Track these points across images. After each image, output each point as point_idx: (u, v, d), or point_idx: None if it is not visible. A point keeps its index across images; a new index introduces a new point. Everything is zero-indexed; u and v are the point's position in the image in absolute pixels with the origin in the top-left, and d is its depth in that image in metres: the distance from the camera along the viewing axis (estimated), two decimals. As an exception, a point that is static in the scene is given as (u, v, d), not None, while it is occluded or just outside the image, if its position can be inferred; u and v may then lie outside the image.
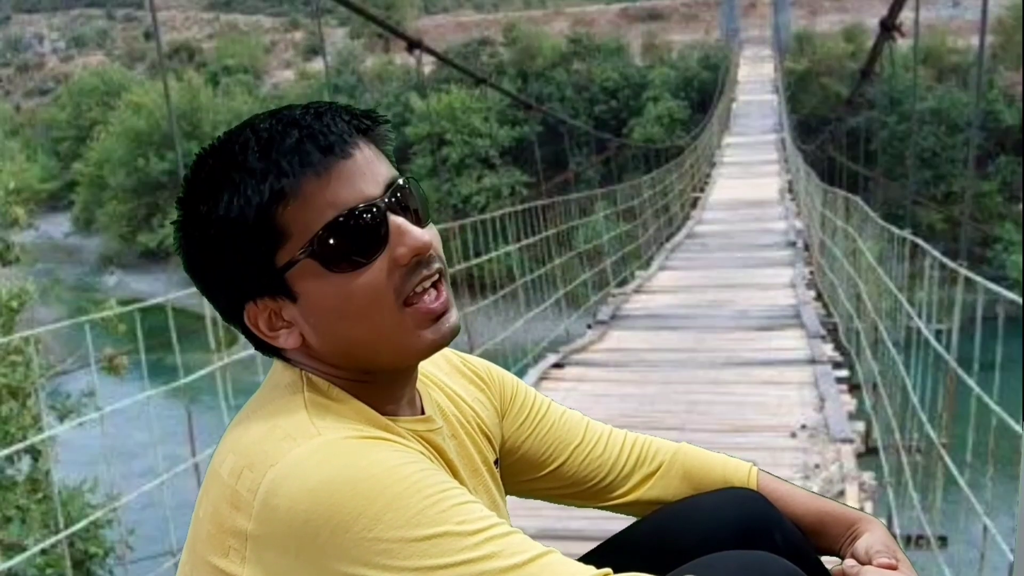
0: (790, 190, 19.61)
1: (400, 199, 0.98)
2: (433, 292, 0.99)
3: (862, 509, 1.30)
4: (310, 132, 0.94)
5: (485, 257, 8.00)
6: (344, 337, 0.98)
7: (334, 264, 0.95)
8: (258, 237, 0.94)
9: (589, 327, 9.09)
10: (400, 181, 0.99)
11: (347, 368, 1.00)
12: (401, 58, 38.21)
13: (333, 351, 0.99)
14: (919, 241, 5.79)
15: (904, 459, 4.91)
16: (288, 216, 0.94)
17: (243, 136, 0.96)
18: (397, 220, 0.97)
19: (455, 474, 1.08)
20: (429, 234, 0.99)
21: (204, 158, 0.98)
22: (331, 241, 0.94)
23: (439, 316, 0.99)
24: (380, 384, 1.02)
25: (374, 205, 0.95)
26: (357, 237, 0.95)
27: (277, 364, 1.04)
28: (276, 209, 0.93)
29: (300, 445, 0.91)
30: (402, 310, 0.97)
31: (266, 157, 0.94)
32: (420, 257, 0.97)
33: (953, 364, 4.28)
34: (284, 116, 0.97)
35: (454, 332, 1.00)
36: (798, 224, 15.40)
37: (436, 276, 0.99)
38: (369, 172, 0.96)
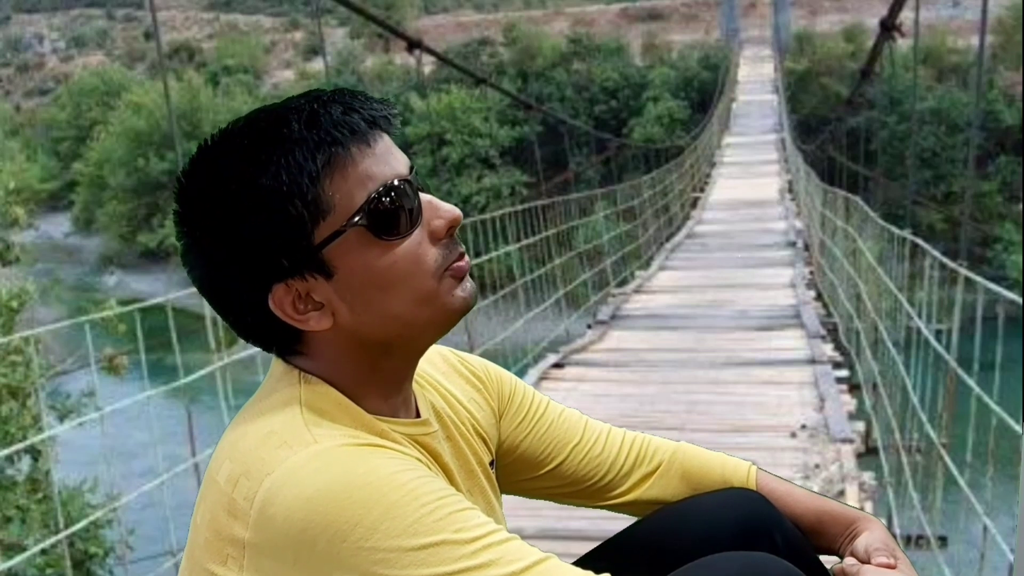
0: (790, 190, 19.61)
1: (419, 181, 1.02)
2: (460, 257, 1.03)
3: (862, 509, 1.30)
4: (352, 106, 0.97)
5: (485, 257, 7.99)
6: (381, 310, 0.98)
7: (384, 232, 0.96)
8: (303, 210, 0.94)
9: (589, 327, 9.09)
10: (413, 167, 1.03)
11: (369, 349, 1.00)
12: (401, 58, 38.24)
13: (367, 327, 0.99)
14: (919, 241, 5.78)
15: (904, 459, 4.91)
16: (334, 187, 0.95)
17: (275, 114, 0.96)
18: (426, 196, 1.01)
19: (450, 477, 1.08)
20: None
21: (225, 142, 0.96)
22: (380, 209, 0.96)
23: (463, 276, 1.02)
24: (386, 375, 1.02)
25: (407, 180, 0.99)
26: (402, 208, 0.97)
27: (275, 367, 1.03)
28: (325, 179, 0.94)
29: (296, 453, 0.90)
30: (440, 277, 1.00)
31: (314, 127, 0.94)
32: (453, 229, 1.01)
33: (953, 364, 4.28)
34: (319, 95, 0.98)
35: (475, 294, 1.04)
36: (798, 224, 15.40)
37: (463, 251, 1.04)
38: (397, 152, 1.01)
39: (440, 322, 1.02)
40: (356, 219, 0.95)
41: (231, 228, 0.94)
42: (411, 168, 1.01)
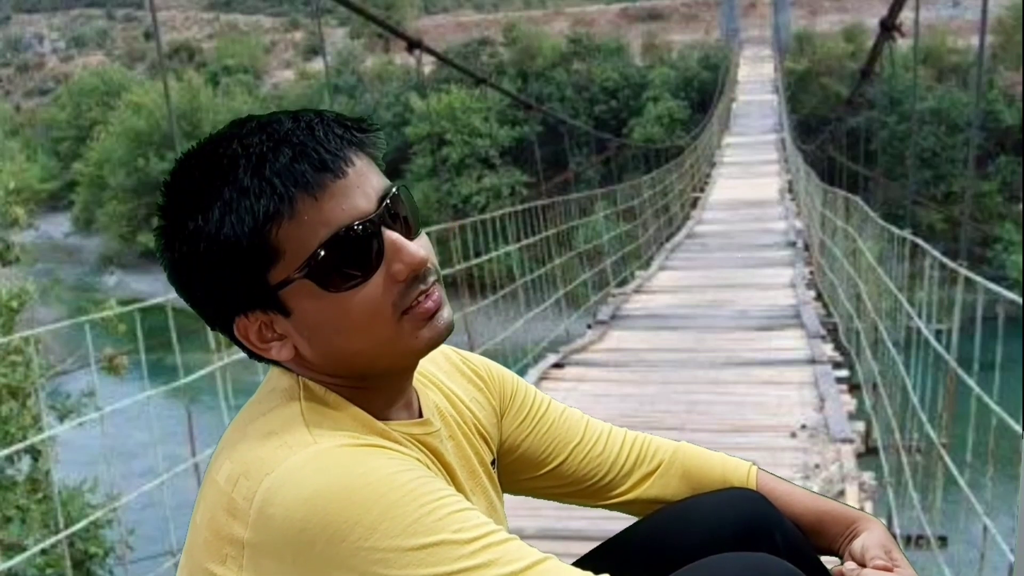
0: (790, 190, 19.61)
1: (392, 209, 0.97)
2: (424, 297, 0.98)
3: (862, 509, 1.31)
4: (303, 149, 0.92)
5: (485, 257, 8.00)
6: (340, 350, 0.97)
7: (331, 284, 0.94)
8: (251, 256, 0.93)
9: (589, 327, 9.09)
10: (393, 190, 0.98)
11: (343, 376, 1.00)
12: (401, 58, 38.21)
13: (328, 362, 0.98)
14: (919, 241, 5.78)
15: (904, 459, 4.91)
16: (282, 235, 0.92)
17: (231, 150, 0.93)
18: (392, 236, 0.95)
19: (452, 477, 1.08)
20: (424, 249, 0.98)
21: (189, 167, 0.95)
22: (327, 261, 0.93)
23: (433, 314, 0.98)
24: (377, 388, 1.02)
25: (368, 221, 0.94)
26: (353, 255, 0.94)
27: (274, 369, 1.03)
28: (270, 229, 0.92)
29: (296, 453, 0.90)
30: (399, 320, 0.97)
31: (258, 175, 0.91)
32: (416, 273, 0.97)
33: (953, 364, 4.28)
34: (274, 131, 0.93)
35: (449, 328, 1.00)
36: (798, 224, 15.40)
37: (431, 286, 0.99)
38: (362, 187, 0.95)
39: (405, 362, 1.01)
40: (302, 272, 0.93)
41: (191, 262, 0.95)
42: (382, 197, 0.96)
